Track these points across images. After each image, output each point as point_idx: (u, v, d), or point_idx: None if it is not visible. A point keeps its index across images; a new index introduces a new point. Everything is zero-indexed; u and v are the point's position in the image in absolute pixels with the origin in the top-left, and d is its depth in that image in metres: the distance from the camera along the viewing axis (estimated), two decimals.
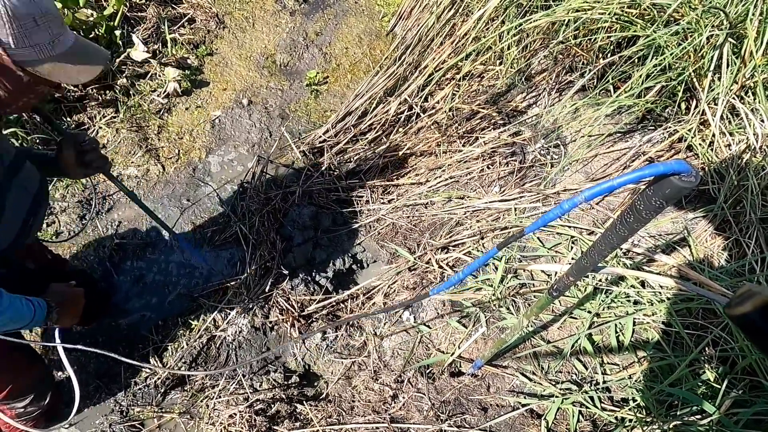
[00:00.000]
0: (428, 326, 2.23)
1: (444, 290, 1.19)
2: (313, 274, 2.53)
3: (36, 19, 1.14)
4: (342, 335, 2.34)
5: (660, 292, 1.98)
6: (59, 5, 2.93)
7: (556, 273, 2.12)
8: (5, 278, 1.82)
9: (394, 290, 2.41)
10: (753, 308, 0.68)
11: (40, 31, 1.15)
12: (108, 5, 3.23)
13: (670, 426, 1.65)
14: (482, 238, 2.41)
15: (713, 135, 2.22)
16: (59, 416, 2.17)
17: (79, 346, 1.54)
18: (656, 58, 2.33)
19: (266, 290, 2.44)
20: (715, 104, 2.22)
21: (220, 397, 2.17)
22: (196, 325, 2.38)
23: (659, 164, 0.67)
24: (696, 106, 2.31)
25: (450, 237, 2.47)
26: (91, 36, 3.12)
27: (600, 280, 2.07)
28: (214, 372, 2.23)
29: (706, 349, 1.77)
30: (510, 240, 0.91)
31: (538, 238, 2.34)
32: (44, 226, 2.60)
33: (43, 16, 1.15)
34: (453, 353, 2.08)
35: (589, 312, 2.01)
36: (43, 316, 1.49)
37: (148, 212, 2.13)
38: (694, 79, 2.29)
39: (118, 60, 3.14)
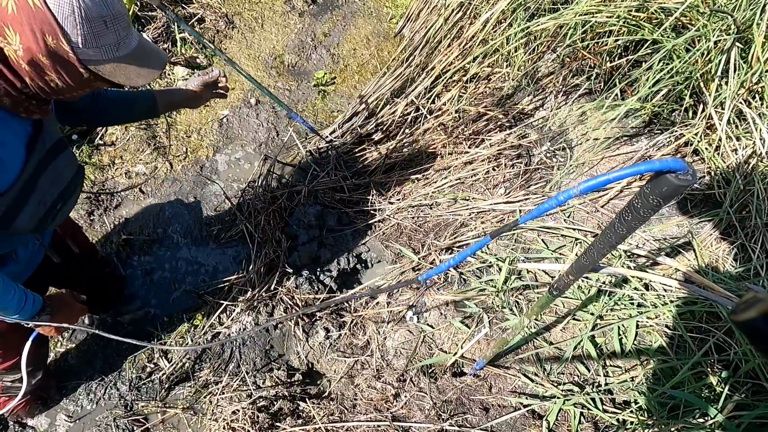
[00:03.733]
0: (431, 326, 2.24)
1: (434, 275, 1.20)
2: (318, 273, 2.54)
3: (106, 21, 1.16)
4: (345, 334, 2.35)
5: (663, 295, 1.98)
6: None
7: (558, 272, 2.12)
8: (56, 265, 1.86)
9: (398, 290, 2.42)
10: (758, 314, 0.68)
11: (108, 33, 1.17)
12: None
13: (672, 429, 1.65)
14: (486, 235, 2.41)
15: (719, 139, 2.22)
16: (48, 402, 2.20)
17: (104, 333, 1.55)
18: (663, 62, 2.33)
19: (271, 288, 2.45)
20: (722, 108, 2.21)
21: (223, 393, 2.19)
22: (201, 322, 2.40)
23: (655, 161, 0.67)
24: (703, 110, 2.30)
25: (454, 238, 2.47)
26: None
27: (603, 282, 2.08)
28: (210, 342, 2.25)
29: (709, 352, 1.77)
30: (503, 229, 0.92)
31: (542, 240, 2.34)
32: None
33: (113, 19, 1.17)
34: (455, 353, 2.09)
35: (592, 314, 2.01)
36: (30, 313, 1.49)
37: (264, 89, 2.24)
38: (701, 83, 2.29)
39: None
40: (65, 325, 1.51)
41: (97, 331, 1.44)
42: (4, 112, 1.25)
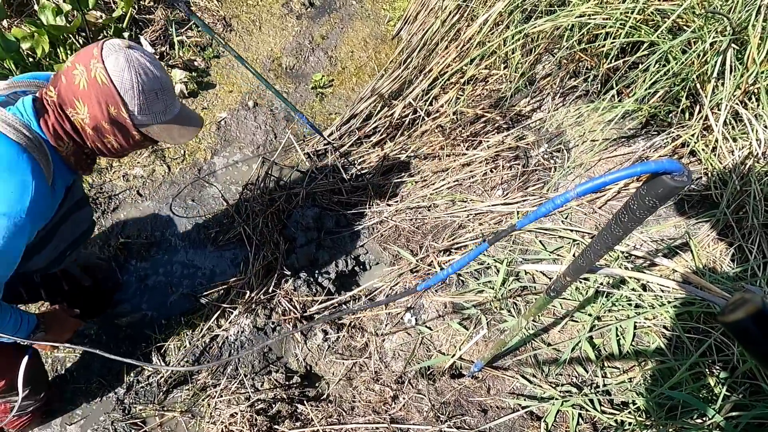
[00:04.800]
0: (429, 328, 2.24)
1: (431, 285, 1.23)
2: (316, 275, 2.54)
3: (157, 93, 1.42)
4: (344, 336, 2.35)
5: (661, 296, 1.98)
6: (69, 7, 2.97)
7: (556, 273, 2.12)
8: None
9: (396, 292, 2.42)
10: (746, 315, 0.69)
11: (158, 101, 1.43)
12: (117, 7, 3.27)
13: (670, 430, 1.65)
14: (484, 241, 2.41)
15: (716, 140, 2.22)
16: (54, 412, 2.20)
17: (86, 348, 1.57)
18: (660, 64, 2.33)
19: (269, 291, 2.45)
20: (719, 109, 2.22)
21: (221, 396, 2.18)
22: (198, 325, 2.40)
23: (651, 162, 0.68)
24: (699, 112, 2.31)
25: (452, 239, 2.47)
26: (99, 37, 3.16)
27: (601, 284, 2.08)
28: (212, 365, 2.25)
29: (707, 353, 1.77)
30: (501, 234, 0.93)
31: (540, 241, 2.34)
32: None
33: (162, 91, 1.43)
34: (454, 355, 2.09)
35: (590, 315, 2.01)
36: (26, 332, 1.59)
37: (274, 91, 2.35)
38: (698, 85, 2.30)
39: None
40: (56, 343, 1.58)
41: (89, 349, 1.44)
42: (66, 167, 1.48)
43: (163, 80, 1.43)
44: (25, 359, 1.69)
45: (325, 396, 2.20)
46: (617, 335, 1.96)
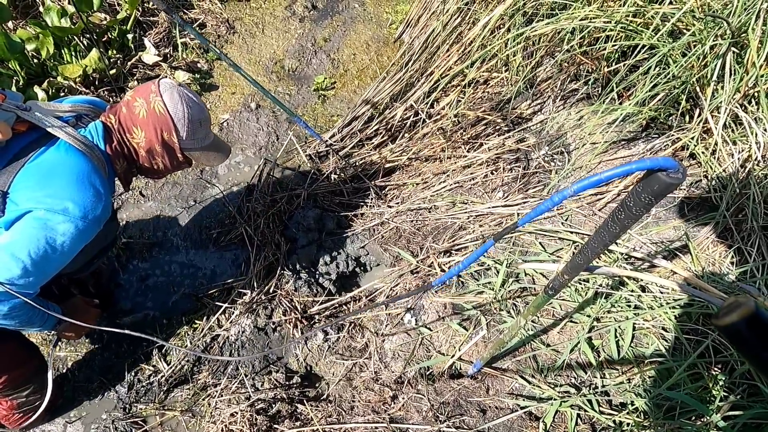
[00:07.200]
0: (429, 328, 2.25)
1: (445, 281, 1.30)
2: (317, 276, 2.55)
3: (201, 122, 1.74)
4: (344, 337, 2.36)
5: (660, 297, 1.99)
6: (73, 9, 3.00)
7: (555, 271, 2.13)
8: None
9: (396, 293, 2.43)
10: (739, 318, 0.70)
11: (201, 129, 1.75)
12: (121, 9, 3.30)
13: (668, 430, 1.66)
14: (485, 243, 2.43)
15: (716, 143, 2.23)
16: (56, 410, 2.22)
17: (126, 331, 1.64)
18: (660, 67, 2.35)
19: (270, 291, 2.46)
20: (718, 112, 2.23)
21: (221, 395, 2.19)
22: (199, 325, 2.41)
23: (646, 159, 0.69)
24: (699, 115, 2.32)
25: (453, 241, 2.48)
26: (104, 39, 3.18)
27: (600, 285, 2.09)
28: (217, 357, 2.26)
29: (706, 354, 1.78)
30: (505, 231, 0.94)
31: (540, 243, 2.35)
32: None
33: (205, 121, 1.76)
34: (453, 355, 2.09)
35: (589, 316, 2.02)
36: (53, 322, 1.70)
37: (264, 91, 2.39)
38: (698, 88, 2.31)
39: (129, 63, 3.20)
40: (84, 324, 1.61)
41: (116, 330, 1.60)
42: (115, 183, 1.74)
43: (205, 113, 1.76)
44: (52, 348, 1.95)
45: (324, 396, 2.21)
46: (616, 336, 1.97)
